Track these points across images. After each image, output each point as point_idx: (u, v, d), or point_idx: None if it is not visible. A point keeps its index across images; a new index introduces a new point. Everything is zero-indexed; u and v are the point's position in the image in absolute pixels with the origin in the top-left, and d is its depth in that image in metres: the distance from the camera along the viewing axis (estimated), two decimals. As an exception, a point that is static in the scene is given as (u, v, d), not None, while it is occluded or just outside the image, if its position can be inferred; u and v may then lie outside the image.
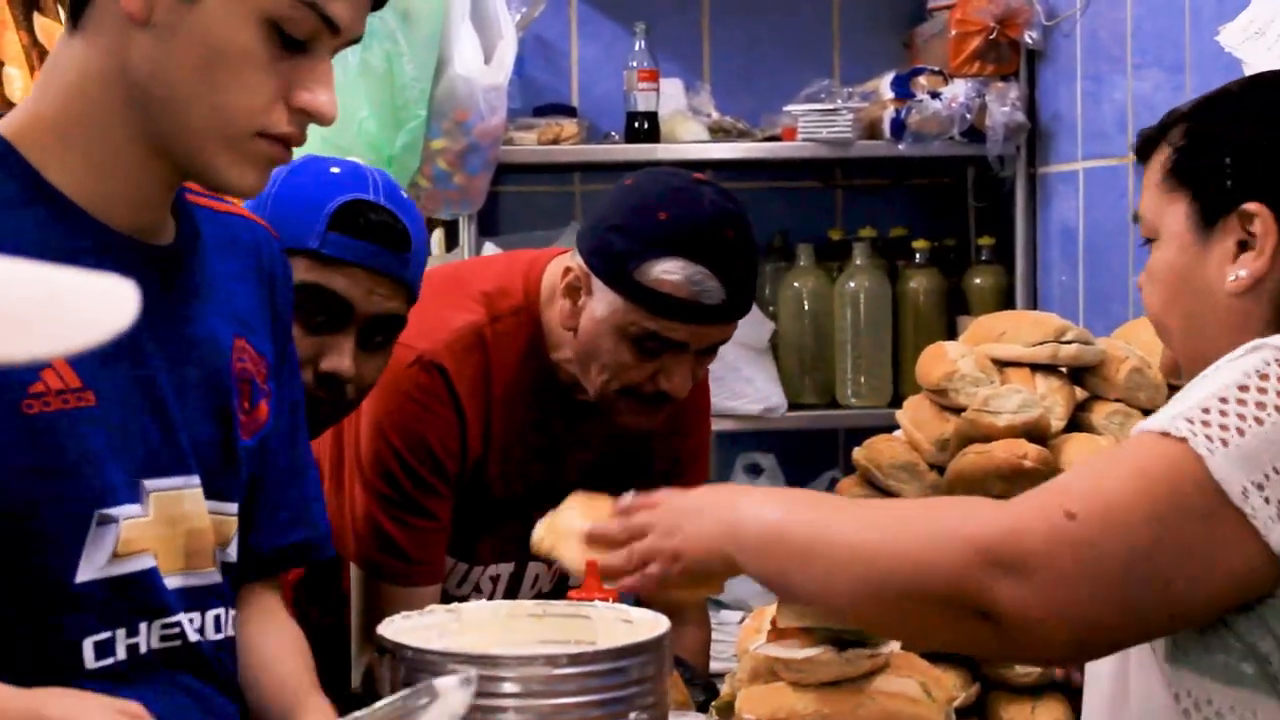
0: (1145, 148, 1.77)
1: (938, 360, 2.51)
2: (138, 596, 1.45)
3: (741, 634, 2.17)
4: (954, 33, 3.72)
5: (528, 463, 2.44)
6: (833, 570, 1.56)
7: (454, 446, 2.37)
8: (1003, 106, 3.68)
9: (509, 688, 1.52)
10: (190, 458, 1.51)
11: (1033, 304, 3.78)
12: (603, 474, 2.45)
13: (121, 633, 1.44)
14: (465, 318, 2.39)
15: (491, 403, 2.38)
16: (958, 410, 2.44)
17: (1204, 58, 2.78)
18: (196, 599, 1.51)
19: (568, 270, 2.33)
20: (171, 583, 1.48)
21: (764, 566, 1.64)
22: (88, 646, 1.42)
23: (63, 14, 1.51)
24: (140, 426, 1.46)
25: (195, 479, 1.50)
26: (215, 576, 1.54)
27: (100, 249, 1.43)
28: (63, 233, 1.40)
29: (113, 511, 1.42)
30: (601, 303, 2.29)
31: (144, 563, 1.45)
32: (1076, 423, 2.45)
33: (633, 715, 1.56)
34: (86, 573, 1.40)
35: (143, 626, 1.46)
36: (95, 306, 0.76)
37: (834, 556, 1.56)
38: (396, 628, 1.62)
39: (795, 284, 3.97)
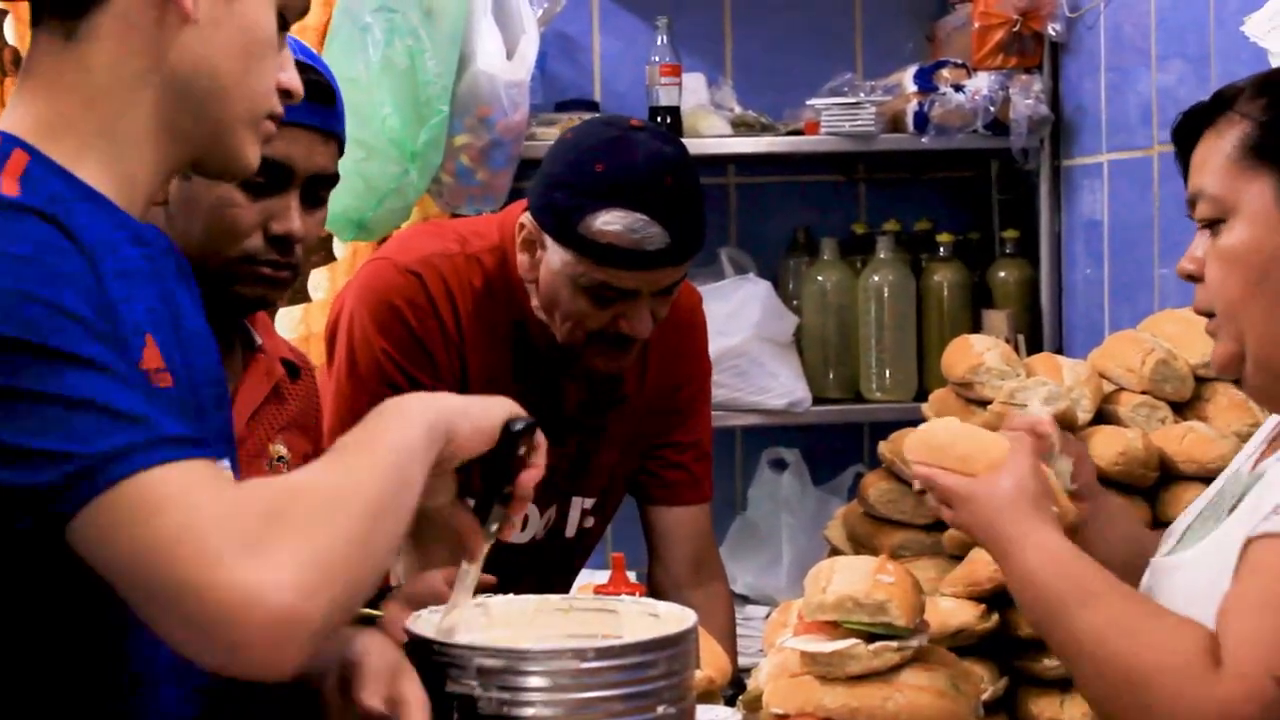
0: (1196, 124, 1.71)
1: (963, 353, 2.50)
2: None
3: (768, 628, 2.17)
4: (977, 25, 3.71)
5: (517, 397, 2.50)
6: (1065, 649, 1.69)
7: (440, 349, 2.47)
8: (1026, 99, 3.67)
9: (536, 681, 1.52)
10: (231, 440, 1.55)
11: (1058, 298, 3.77)
12: (596, 413, 2.56)
13: None
14: (440, 245, 2.52)
15: (462, 322, 2.48)
16: (983, 403, 2.43)
17: (1229, 49, 2.77)
18: None
19: (522, 226, 2.43)
20: None
21: (1018, 597, 1.81)
22: None
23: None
24: (205, 412, 1.49)
25: (229, 462, 1.52)
26: None
27: (136, 241, 1.45)
28: (106, 227, 1.42)
29: None
30: (554, 256, 2.38)
31: None
32: (1102, 415, 2.45)
33: (660, 709, 1.56)
34: None
35: None
36: None
37: (1068, 641, 1.67)
38: (424, 622, 1.62)
39: (819, 278, 3.96)
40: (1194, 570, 1.72)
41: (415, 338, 2.46)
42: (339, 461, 1.37)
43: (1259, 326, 1.68)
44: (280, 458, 2.15)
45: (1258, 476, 1.71)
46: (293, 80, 1.53)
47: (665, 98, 3.80)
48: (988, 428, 2.40)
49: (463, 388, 2.49)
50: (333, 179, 2.11)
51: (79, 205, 1.40)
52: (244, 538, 1.22)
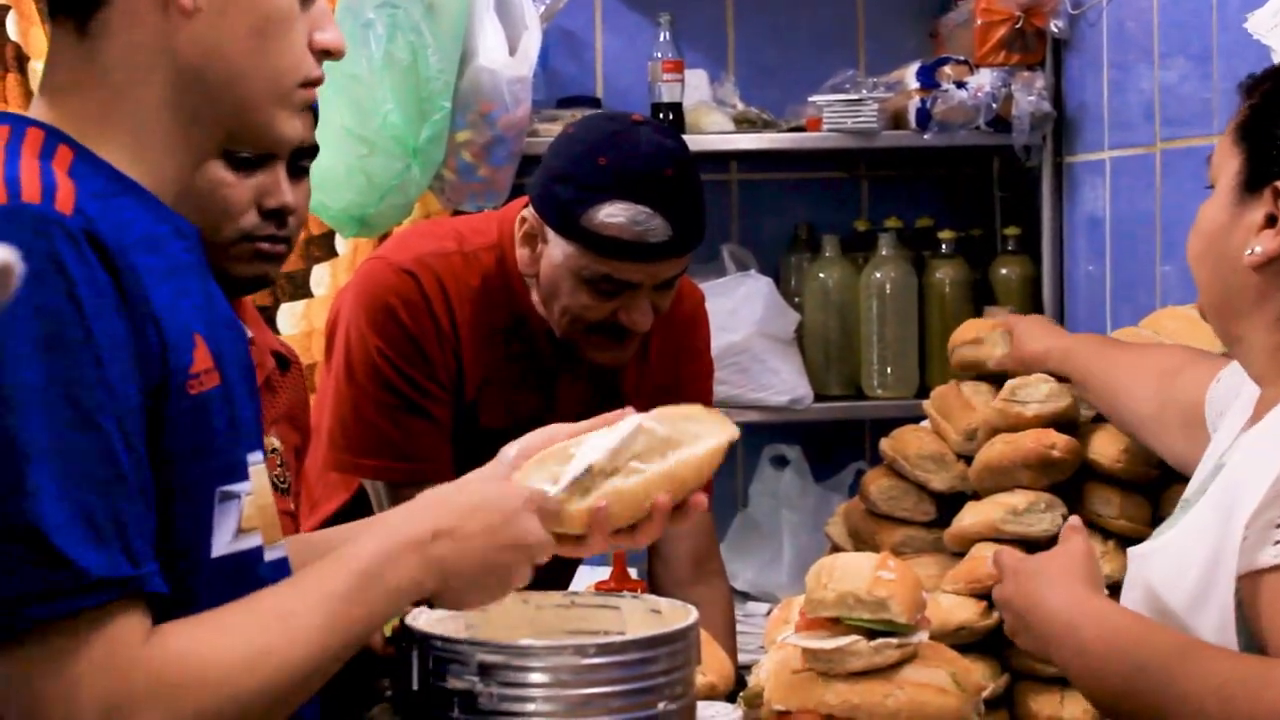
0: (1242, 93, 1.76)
1: (971, 325, 2.55)
2: (252, 572, 1.47)
3: (769, 625, 2.16)
4: (979, 22, 3.71)
5: (513, 395, 2.49)
6: (1171, 714, 1.60)
7: (435, 349, 2.47)
8: (1028, 96, 3.67)
9: (538, 677, 1.52)
10: (261, 430, 1.54)
11: (1060, 294, 3.76)
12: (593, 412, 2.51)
13: None
14: (437, 244, 2.52)
15: (457, 321, 2.48)
16: (986, 377, 2.45)
17: (1231, 46, 2.77)
18: (278, 573, 1.51)
19: (523, 220, 2.44)
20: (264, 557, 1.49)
21: (1080, 671, 1.73)
22: None
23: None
24: (242, 403, 1.48)
25: (262, 454, 1.51)
26: (285, 550, 1.54)
27: (178, 234, 1.45)
28: (150, 220, 1.42)
29: (234, 488, 1.44)
30: (556, 249, 2.39)
31: (256, 538, 1.47)
32: (1105, 412, 2.45)
33: (661, 705, 1.56)
34: (218, 548, 1.43)
35: None
36: None
37: (1175, 707, 1.59)
38: (426, 618, 1.62)
39: (821, 275, 3.96)
40: (1164, 556, 1.73)
41: (410, 336, 2.46)
42: (266, 621, 1.39)
43: (1205, 294, 1.77)
44: (273, 449, 2.15)
45: (1220, 466, 1.73)
46: (332, 39, 1.51)
47: (667, 94, 3.80)
48: (989, 425, 2.41)
49: (458, 386, 2.49)
50: (314, 150, 2.12)
51: (123, 200, 1.40)
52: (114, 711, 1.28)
